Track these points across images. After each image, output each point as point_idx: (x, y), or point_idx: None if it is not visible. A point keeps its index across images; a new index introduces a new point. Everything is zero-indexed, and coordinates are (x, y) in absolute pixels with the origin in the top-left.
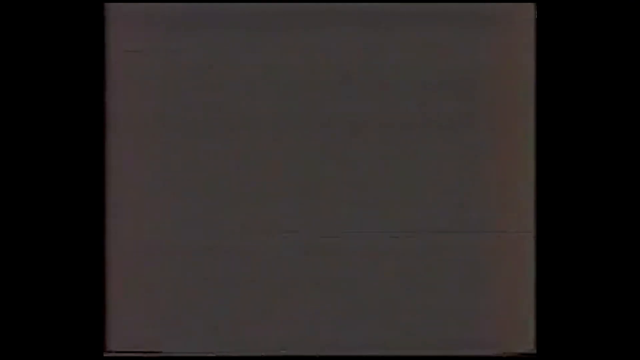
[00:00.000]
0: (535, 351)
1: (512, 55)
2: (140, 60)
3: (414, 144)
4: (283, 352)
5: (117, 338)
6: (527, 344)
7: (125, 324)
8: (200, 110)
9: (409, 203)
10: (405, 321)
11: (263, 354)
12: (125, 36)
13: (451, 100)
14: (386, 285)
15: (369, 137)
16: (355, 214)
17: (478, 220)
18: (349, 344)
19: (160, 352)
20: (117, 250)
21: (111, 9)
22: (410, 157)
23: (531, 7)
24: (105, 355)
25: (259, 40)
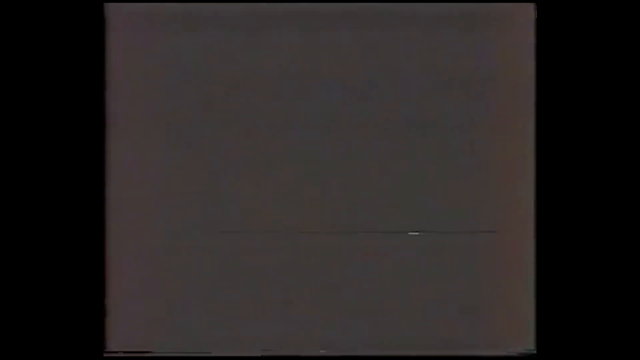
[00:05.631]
0: (535, 351)
1: (512, 55)
2: (140, 60)
3: (413, 144)
4: (283, 352)
5: (117, 338)
6: (527, 344)
7: (125, 324)
8: (199, 110)
9: (409, 203)
10: (405, 321)
11: (263, 354)
12: (125, 36)
13: (451, 100)
14: (386, 285)
15: (369, 137)
16: (355, 214)
17: (477, 221)
18: (348, 343)
19: (160, 352)
20: (117, 250)
21: (111, 9)
22: (410, 157)
23: (531, 7)
24: (105, 355)
25: (258, 41)
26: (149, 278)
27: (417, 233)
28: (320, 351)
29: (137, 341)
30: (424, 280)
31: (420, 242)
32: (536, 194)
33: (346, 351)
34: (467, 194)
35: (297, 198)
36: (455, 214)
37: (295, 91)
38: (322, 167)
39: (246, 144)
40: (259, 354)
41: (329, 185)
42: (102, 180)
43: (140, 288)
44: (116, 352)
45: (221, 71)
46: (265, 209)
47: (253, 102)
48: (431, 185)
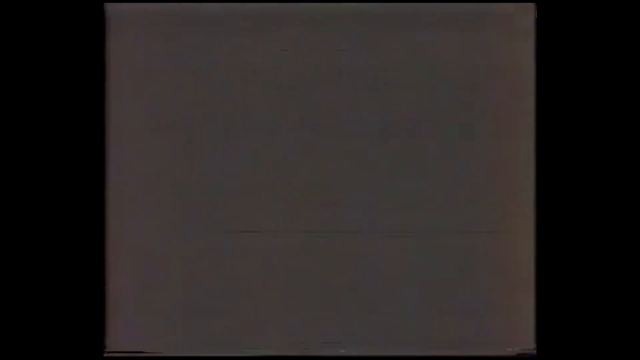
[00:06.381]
0: (535, 351)
1: (512, 55)
2: (140, 60)
3: (414, 144)
4: (284, 352)
5: (117, 338)
6: (527, 343)
7: (125, 324)
8: (199, 110)
9: (409, 203)
10: (405, 321)
11: (263, 354)
12: (125, 36)
13: (451, 101)
14: (386, 285)
15: (369, 137)
16: (356, 214)
17: (478, 220)
18: (348, 343)
19: (160, 352)
20: (117, 250)
21: (111, 9)
22: (410, 157)
23: (531, 7)
24: (105, 355)
25: (258, 40)
26: (149, 278)
27: (415, 233)
28: (321, 351)
29: (137, 341)
30: (422, 280)
31: (420, 242)
32: (536, 194)
33: (347, 351)
34: (466, 194)
35: (298, 198)
36: (455, 214)
37: (296, 91)
38: (322, 168)
39: (247, 143)
40: (259, 354)
41: (330, 185)
42: (102, 180)
43: (141, 288)
44: (116, 352)
45: (221, 71)
46: (267, 209)
47: (253, 102)
48: (431, 185)
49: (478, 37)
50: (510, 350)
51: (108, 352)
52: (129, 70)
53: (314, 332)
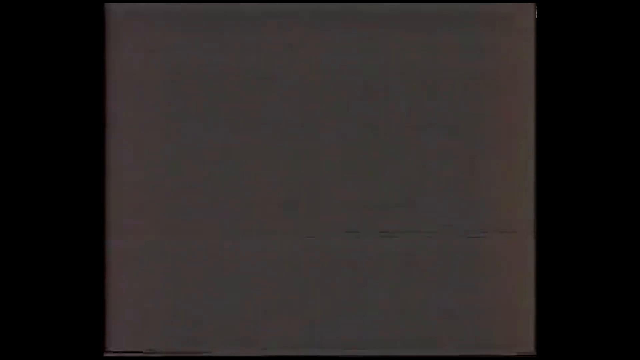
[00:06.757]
0: (535, 352)
1: (512, 55)
2: (140, 60)
3: (414, 144)
4: (284, 352)
5: (117, 338)
6: (527, 344)
7: (125, 324)
8: (199, 109)
9: (409, 203)
10: (405, 321)
11: (263, 354)
12: (125, 36)
13: (451, 101)
14: (386, 285)
15: (369, 137)
16: (356, 214)
17: (478, 220)
18: (349, 343)
19: (160, 352)
20: (117, 250)
21: (111, 9)
22: (410, 157)
23: (531, 7)
24: (105, 355)
25: (258, 40)
26: (149, 278)
27: (415, 233)
28: (321, 351)
29: (137, 341)
30: (422, 280)
31: (420, 242)
32: (536, 193)
33: (346, 351)
34: (467, 194)
35: (297, 199)
36: (455, 214)
37: (296, 90)
38: (322, 168)
39: (246, 143)
40: (259, 354)
41: (330, 185)
42: (102, 180)
43: (141, 288)
44: (116, 352)
45: (220, 70)
46: (266, 210)
47: (252, 101)
48: (431, 185)
49: (478, 37)
50: (510, 351)
51: (108, 352)
52: (129, 70)
53: (314, 332)
